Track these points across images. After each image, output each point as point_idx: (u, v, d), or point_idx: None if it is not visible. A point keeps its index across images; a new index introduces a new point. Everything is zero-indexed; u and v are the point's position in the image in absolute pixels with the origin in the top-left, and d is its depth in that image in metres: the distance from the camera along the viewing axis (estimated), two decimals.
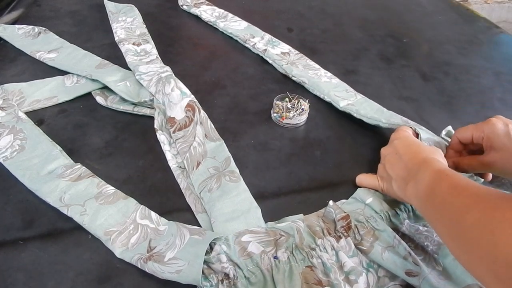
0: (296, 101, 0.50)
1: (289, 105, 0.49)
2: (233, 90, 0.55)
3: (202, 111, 0.47)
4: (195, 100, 0.48)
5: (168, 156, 0.43)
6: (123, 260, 0.33)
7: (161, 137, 0.45)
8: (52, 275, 0.32)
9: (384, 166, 0.39)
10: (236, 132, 0.48)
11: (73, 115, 0.49)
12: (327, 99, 0.53)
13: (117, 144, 0.45)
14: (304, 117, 0.50)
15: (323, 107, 0.53)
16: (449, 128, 0.46)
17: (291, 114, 0.48)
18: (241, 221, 0.36)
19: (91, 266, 0.33)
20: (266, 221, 0.37)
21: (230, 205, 0.37)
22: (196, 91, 0.50)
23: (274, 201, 0.40)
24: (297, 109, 0.49)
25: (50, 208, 0.37)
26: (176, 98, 0.47)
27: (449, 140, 0.44)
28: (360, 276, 0.32)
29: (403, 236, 0.36)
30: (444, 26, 0.79)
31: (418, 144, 0.38)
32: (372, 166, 0.43)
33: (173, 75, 0.52)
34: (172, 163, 0.43)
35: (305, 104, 0.50)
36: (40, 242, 0.35)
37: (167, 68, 0.54)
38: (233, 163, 0.42)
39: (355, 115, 0.49)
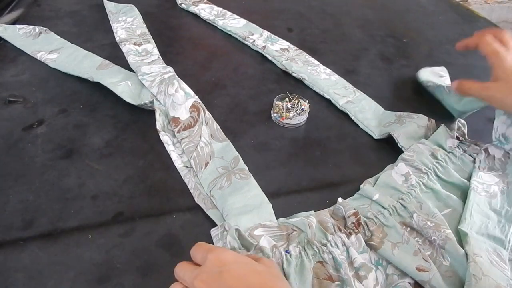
0: (296, 101, 0.50)
1: (289, 105, 0.49)
2: (233, 90, 0.55)
3: (207, 112, 0.47)
4: (199, 101, 0.48)
5: (173, 156, 0.43)
6: (123, 260, 0.33)
7: (164, 137, 0.45)
8: (52, 275, 0.32)
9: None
10: (236, 132, 0.48)
11: (73, 115, 0.49)
12: (326, 96, 0.54)
13: (117, 144, 0.45)
14: (304, 117, 0.50)
15: (323, 107, 0.53)
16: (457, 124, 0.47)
17: (291, 114, 0.48)
18: (253, 215, 0.36)
19: (91, 266, 0.33)
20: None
21: (242, 200, 0.38)
22: (196, 91, 0.50)
23: (274, 201, 0.40)
24: (297, 109, 0.49)
25: (50, 208, 0.37)
26: (180, 98, 0.47)
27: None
28: (369, 273, 0.32)
29: (412, 230, 0.36)
30: (444, 26, 0.79)
31: None
32: (372, 166, 0.43)
33: (176, 75, 0.52)
34: (178, 163, 0.43)
35: (305, 104, 0.50)
36: (40, 242, 0.35)
37: (170, 68, 0.54)
38: (241, 162, 0.42)
39: (352, 117, 0.50)
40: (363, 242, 0.35)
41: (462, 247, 0.34)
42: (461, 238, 0.35)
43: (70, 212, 0.37)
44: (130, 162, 0.43)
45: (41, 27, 0.64)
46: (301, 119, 0.49)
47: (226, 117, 0.50)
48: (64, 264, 0.33)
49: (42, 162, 0.42)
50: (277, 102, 0.50)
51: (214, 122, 0.46)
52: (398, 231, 0.35)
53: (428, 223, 0.36)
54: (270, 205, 0.38)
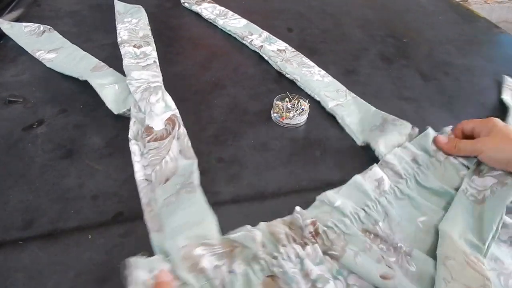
0: (296, 101, 0.50)
1: (289, 105, 0.49)
2: (233, 90, 0.55)
3: (182, 127, 0.45)
4: (178, 115, 0.46)
5: (136, 167, 0.41)
6: (123, 260, 0.33)
7: (134, 147, 0.43)
8: (52, 275, 0.32)
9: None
10: (236, 132, 0.48)
11: (73, 115, 0.49)
12: (317, 98, 0.53)
13: (117, 144, 0.45)
14: (304, 117, 0.50)
15: (323, 107, 0.53)
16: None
17: (291, 114, 0.48)
18: (192, 234, 0.33)
19: (91, 266, 0.33)
20: (265, 221, 0.36)
21: (182, 217, 0.35)
22: (196, 91, 0.50)
23: (274, 201, 0.40)
24: (297, 109, 0.49)
25: (50, 208, 0.37)
26: (159, 109, 0.46)
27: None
28: (327, 284, 0.31)
29: (376, 237, 0.35)
30: (444, 26, 0.79)
31: None
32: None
33: (163, 87, 0.51)
34: (139, 174, 0.41)
35: (305, 104, 0.50)
36: (40, 242, 0.35)
37: (159, 78, 0.53)
38: (194, 175, 0.39)
39: (340, 121, 0.50)
40: (320, 253, 0.33)
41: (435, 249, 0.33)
42: (439, 237, 0.34)
43: (70, 212, 0.37)
44: (130, 162, 0.43)
45: (45, 26, 0.64)
46: (301, 119, 0.49)
47: (226, 117, 0.50)
48: (64, 264, 0.33)
49: (42, 162, 0.42)
50: (277, 102, 0.50)
51: (186, 138, 0.44)
52: (361, 239, 0.34)
53: (393, 235, 0.35)
54: (214, 220, 0.35)
